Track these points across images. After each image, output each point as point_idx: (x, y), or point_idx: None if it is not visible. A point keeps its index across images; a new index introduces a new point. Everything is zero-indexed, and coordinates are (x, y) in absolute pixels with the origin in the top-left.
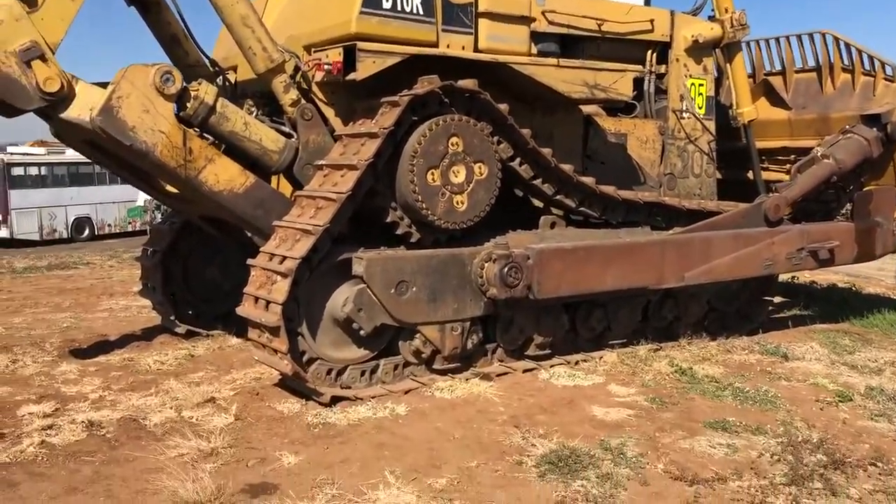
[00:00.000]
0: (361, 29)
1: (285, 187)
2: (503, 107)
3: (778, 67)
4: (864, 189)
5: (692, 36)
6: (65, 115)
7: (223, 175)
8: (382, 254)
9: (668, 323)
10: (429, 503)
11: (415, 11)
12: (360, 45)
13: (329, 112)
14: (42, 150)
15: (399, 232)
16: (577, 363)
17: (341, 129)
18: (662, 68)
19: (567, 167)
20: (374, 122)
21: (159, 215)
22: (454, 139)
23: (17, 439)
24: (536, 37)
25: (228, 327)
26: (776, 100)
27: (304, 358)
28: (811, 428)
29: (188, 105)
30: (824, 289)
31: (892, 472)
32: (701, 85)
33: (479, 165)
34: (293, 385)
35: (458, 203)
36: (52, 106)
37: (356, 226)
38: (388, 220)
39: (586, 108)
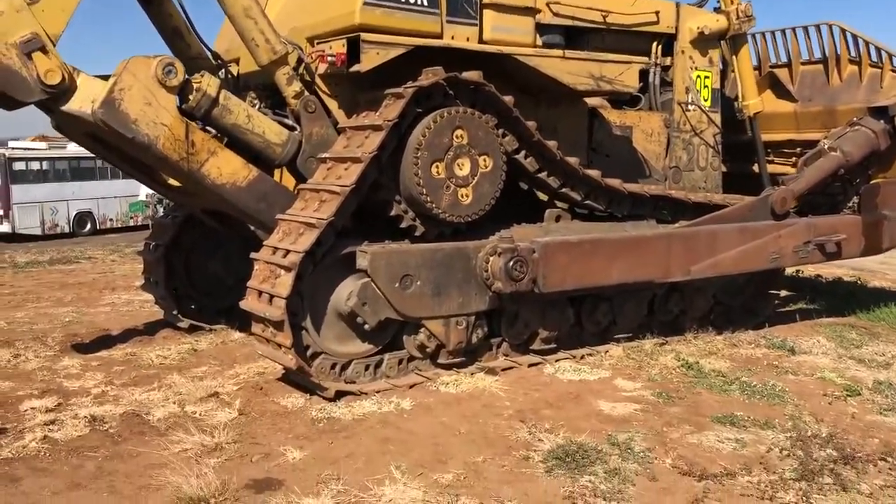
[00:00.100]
0: (365, 20)
1: (288, 180)
2: (508, 99)
3: (784, 59)
4: (871, 182)
5: (698, 28)
6: (66, 107)
7: (226, 168)
8: (387, 247)
9: (673, 317)
10: (435, 499)
11: (419, 2)
12: (364, 36)
13: (332, 104)
14: (43, 145)
15: (403, 225)
16: (582, 357)
17: (345, 122)
18: (668, 60)
19: (573, 160)
20: (377, 114)
21: (161, 209)
22: (459, 131)
23: (20, 434)
24: (541, 28)
25: (231, 321)
26: (782, 92)
27: (308, 352)
28: (820, 422)
29: (190, 97)
30: (829, 282)
31: None
32: (706, 77)
33: (483, 158)
34: (297, 380)
35: (462, 196)
36: (54, 98)
37: (360, 219)
38: (392, 213)
39: (591, 101)
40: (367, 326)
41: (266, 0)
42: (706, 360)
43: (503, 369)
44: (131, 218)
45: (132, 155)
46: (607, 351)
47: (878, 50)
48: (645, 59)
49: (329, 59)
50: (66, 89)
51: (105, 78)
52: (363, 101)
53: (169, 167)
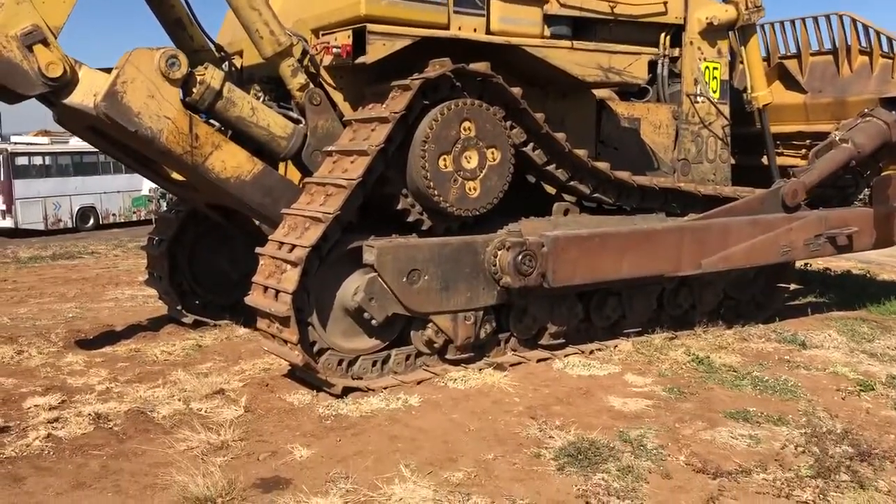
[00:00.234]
0: (371, 11)
1: (293, 174)
2: (516, 90)
3: (793, 50)
4: (883, 174)
5: (706, 18)
6: (68, 101)
7: (230, 162)
8: (394, 242)
9: (683, 311)
10: (446, 498)
11: None
12: (370, 27)
13: (338, 97)
14: (46, 140)
15: (410, 219)
16: (591, 352)
17: (350, 115)
18: (676, 51)
19: (581, 152)
20: (384, 106)
21: (164, 204)
22: (466, 124)
23: (23, 433)
24: (549, 19)
25: (236, 317)
26: (791, 83)
27: (315, 348)
28: (834, 418)
29: (194, 90)
30: (838, 276)
31: None
32: (715, 68)
33: (491, 151)
34: (303, 376)
35: (470, 189)
36: (55, 92)
37: (365, 213)
38: (399, 207)
39: (599, 93)
40: (374, 322)
41: None
42: (716, 354)
43: (511, 365)
44: (134, 213)
45: (135, 149)
46: (616, 346)
47: (890, 40)
48: (654, 50)
49: (334, 50)
50: (67, 82)
51: (107, 71)
52: (369, 93)
53: (172, 161)
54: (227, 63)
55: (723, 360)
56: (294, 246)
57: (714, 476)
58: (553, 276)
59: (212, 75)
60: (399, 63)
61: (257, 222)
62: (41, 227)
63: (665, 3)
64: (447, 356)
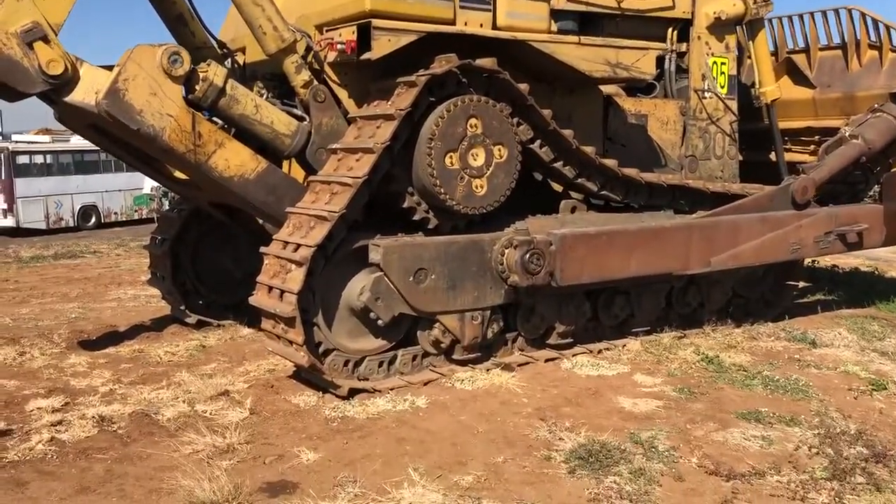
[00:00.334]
0: (376, 6)
1: (297, 172)
2: (523, 86)
3: (801, 45)
4: (893, 170)
5: (714, 13)
6: (69, 98)
7: (234, 160)
8: (400, 241)
9: (691, 309)
10: (456, 502)
11: None
12: (375, 22)
13: (342, 93)
14: (47, 139)
15: (416, 218)
16: (599, 352)
17: (355, 112)
18: (683, 46)
19: (589, 149)
20: (389, 103)
21: (167, 203)
22: (473, 121)
23: (26, 436)
24: (555, 14)
25: (240, 317)
26: (800, 78)
27: (320, 349)
28: (847, 418)
29: (197, 87)
30: (846, 273)
31: None
32: (723, 63)
33: (498, 148)
34: (309, 377)
35: (477, 187)
36: (56, 89)
37: (370, 212)
38: (405, 205)
39: (606, 89)
40: (380, 322)
41: None
42: (726, 353)
43: (519, 365)
44: (136, 211)
45: (137, 147)
46: (625, 345)
47: None
48: (662, 45)
49: (339, 46)
50: (68, 80)
51: (109, 68)
52: (374, 89)
53: (175, 159)
54: (229, 60)
55: (732, 359)
56: (299, 245)
57: (727, 478)
58: (561, 274)
59: (215, 72)
60: (404, 59)
61: (261, 221)
62: (42, 225)
63: None
64: (454, 356)
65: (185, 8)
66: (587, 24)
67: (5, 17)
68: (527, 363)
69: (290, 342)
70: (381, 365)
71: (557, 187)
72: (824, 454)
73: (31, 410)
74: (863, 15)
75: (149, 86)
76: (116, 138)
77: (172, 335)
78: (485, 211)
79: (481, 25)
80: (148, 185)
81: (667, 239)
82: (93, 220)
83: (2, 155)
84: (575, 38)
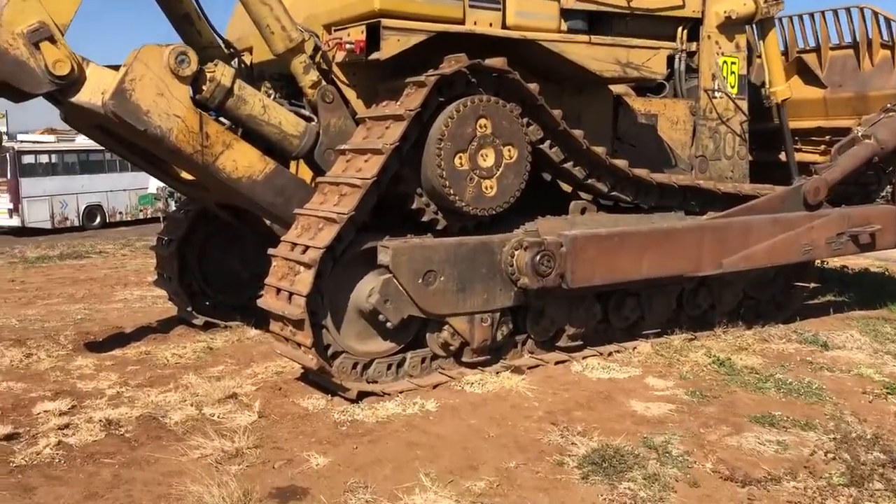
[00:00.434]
0: (385, 5)
1: (304, 173)
2: (533, 86)
3: (812, 44)
4: None
5: (725, 12)
6: (75, 99)
7: (242, 161)
8: (409, 242)
9: (702, 311)
10: None
11: None
12: (385, 22)
13: (350, 94)
14: (52, 138)
15: (425, 219)
16: (610, 354)
17: (363, 112)
18: (693, 46)
19: (599, 149)
20: (398, 103)
21: (173, 203)
22: (483, 121)
23: (33, 440)
24: (565, 13)
25: (247, 318)
26: (810, 78)
27: (329, 351)
28: (863, 422)
29: (204, 87)
30: (856, 273)
31: None
32: (733, 63)
33: (508, 148)
34: (318, 380)
35: (486, 188)
36: (62, 90)
37: (378, 213)
38: (414, 206)
39: (615, 88)
40: (389, 324)
41: None
42: (737, 355)
43: (529, 367)
44: (141, 211)
45: (144, 148)
46: (635, 347)
47: None
48: (673, 44)
49: (347, 46)
50: (75, 80)
51: (115, 68)
52: (382, 90)
53: (182, 160)
54: (236, 60)
55: (744, 361)
56: (307, 247)
57: (743, 484)
58: (572, 276)
59: (222, 72)
60: (412, 59)
61: (268, 222)
62: (48, 225)
63: None
64: (463, 359)
65: (192, 7)
66: (596, 23)
67: (11, 18)
68: (536, 366)
69: (299, 345)
70: (389, 367)
71: (566, 188)
72: (841, 459)
73: (38, 413)
74: (875, 14)
75: (156, 86)
76: (123, 139)
77: (179, 337)
78: (494, 212)
79: (491, 25)
80: (153, 184)
81: (679, 240)
82: (98, 219)
83: (7, 155)
84: (585, 38)
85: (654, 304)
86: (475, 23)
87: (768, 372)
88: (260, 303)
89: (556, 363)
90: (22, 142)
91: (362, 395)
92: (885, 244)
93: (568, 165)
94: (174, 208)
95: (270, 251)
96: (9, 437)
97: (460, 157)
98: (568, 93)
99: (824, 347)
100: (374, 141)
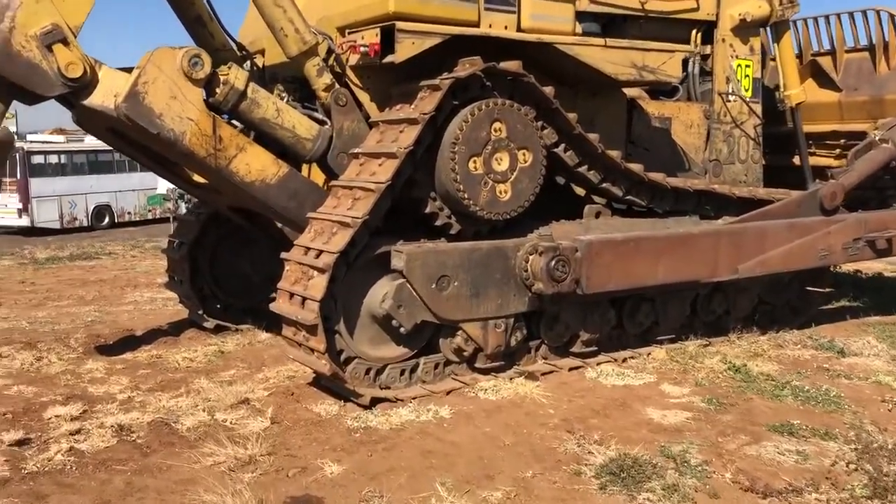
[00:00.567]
0: (400, 8)
1: (317, 177)
2: (548, 90)
3: (827, 47)
4: None
5: (739, 14)
6: (87, 101)
7: (255, 164)
8: (423, 247)
9: (716, 317)
10: None
11: None
12: (400, 25)
13: (364, 97)
14: (61, 138)
15: (438, 223)
16: (624, 360)
17: (377, 116)
18: (707, 49)
19: (614, 153)
20: (412, 107)
21: (182, 204)
22: (497, 125)
23: (45, 445)
24: (579, 16)
25: (258, 321)
26: (825, 81)
27: (342, 357)
28: (883, 432)
29: (217, 90)
30: (870, 278)
31: None
32: (747, 66)
33: (523, 152)
34: (330, 385)
35: (501, 192)
36: (75, 92)
37: (390, 217)
38: (427, 210)
39: (629, 92)
40: (402, 329)
41: None
42: (753, 362)
43: (543, 373)
44: (149, 211)
45: (156, 151)
46: (650, 353)
47: None
48: (688, 47)
49: (361, 49)
50: (87, 83)
51: (128, 71)
52: (396, 93)
53: (195, 164)
54: (248, 62)
55: (760, 368)
56: (321, 251)
57: (764, 495)
58: (587, 282)
59: (235, 75)
60: (426, 61)
61: (280, 225)
62: (57, 225)
63: (697, 0)
64: (477, 365)
65: (204, 9)
66: (610, 25)
67: (24, 20)
68: (550, 372)
69: (312, 350)
70: (402, 373)
71: (580, 191)
72: (863, 470)
73: (49, 418)
74: (891, 16)
75: (169, 89)
76: (135, 142)
77: (190, 340)
78: (509, 217)
79: (506, 27)
80: (163, 185)
81: (695, 245)
82: (106, 219)
83: (17, 155)
84: (601, 41)
85: (668, 310)
86: (490, 25)
87: (785, 379)
88: (273, 307)
89: (571, 369)
90: (31, 142)
91: (375, 402)
92: None
93: (582, 169)
94: (184, 210)
95: (283, 255)
96: (20, 443)
97: (475, 161)
98: (582, 96)
99: (841, 354)
100: (388, 145)
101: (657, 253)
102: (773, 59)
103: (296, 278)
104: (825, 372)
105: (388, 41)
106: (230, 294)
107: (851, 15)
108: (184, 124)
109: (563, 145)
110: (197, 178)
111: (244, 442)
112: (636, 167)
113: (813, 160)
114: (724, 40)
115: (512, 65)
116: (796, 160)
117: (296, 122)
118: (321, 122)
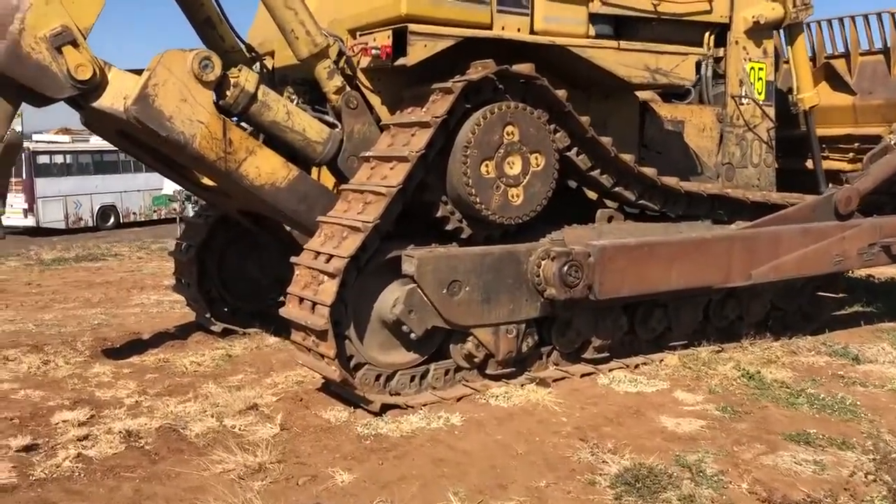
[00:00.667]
0: (412, 10)
1: (327, 180)
2: (561, 93)
3: (841, 50)
4: None
5: (753, 17)
6: (97, 104)
7: (265, 168)
8: (434, 251)
9: (729, 323)
10: None
11: None
12: (412, 27)
13: (375, 100)
14: (67, 138)
15: (449, 227)
16: (636, 367)
17: (388, 119)
18: (720, 51)
19: (627, 157)
20: (424, 110)
21: (190, 206)
22: (510, 128)
23: (52, 451)
24: (592, 18)
25: (266, 325)
26: (839, 84)
27: (352, 363)
28: None
29: (228, 93)
30: (883, 283)
31: None
32: (761, 69)
33: (535, 156)
34: (340, 392)
35: (513, 196)
36: (84, 94)
37: (401, 221)
38: (439, 215)
39: (642, 95)
40: (413, 335)
41: None
42: (767, 369)
43: (554, 380)
44: (155, 211)
45: (165, 154)
46: (662, 360)
47: None
48: (701, 49)
49: (373, 52)
50: (97, 85)
51: (137, 73)
52: (407, 96)
53: (205, 167)
54: (258, 64)
55: (774, 375)
56: (331, 256)
57: None
58: (600, 287)
59: (246, 78)
60: (438, 64)
61: (289, 228)
62: (62, 225)
63: (710, 2)
64: (487, 371)
65: (214, 11)
66: (623, 28)
67: (34, 22)
68: (562, 378)
69: (322, 355)
70: (412, 379)
71: (592, 195)
72: (882, 481)
73: (57, 423)
74: None
75: (179, 91)
76: (144, 144)
77: (197, 343)
78: (521, 221)
79: (519, 30)
80: (168, 186)
81: (708, 251)
82: (111, 220)
83: (22, 155)
84: (614, 43)
85: (681, 316)
86: (503, 28)
87: (799, 386)
88: (282, 312)
89: (583, 376)
90: (37, 142)
91: (385, 408)
92: None
93: (595, 173)
94: (190, 211)
95: (293, 259)
96: (28, 449)
97: (487, 165)
98: (595, 99)
99: (855, 361)
100: (399, 148)
101: (671, 258)
102: (787, 62)
103: (305, 283)
104: (840, 379)
105: (399, 43)
106: (238, 297)
107: (866, 17)
108: (194, 127)
109: (575, 149)
110: (205, 180)
111: (253, 449)
112: (649, 171)
113: (826, 164)
114: (737, 43)
115: (525, 67)
116: (809, 164)
117: (306, 125)
118: (332, 125)
